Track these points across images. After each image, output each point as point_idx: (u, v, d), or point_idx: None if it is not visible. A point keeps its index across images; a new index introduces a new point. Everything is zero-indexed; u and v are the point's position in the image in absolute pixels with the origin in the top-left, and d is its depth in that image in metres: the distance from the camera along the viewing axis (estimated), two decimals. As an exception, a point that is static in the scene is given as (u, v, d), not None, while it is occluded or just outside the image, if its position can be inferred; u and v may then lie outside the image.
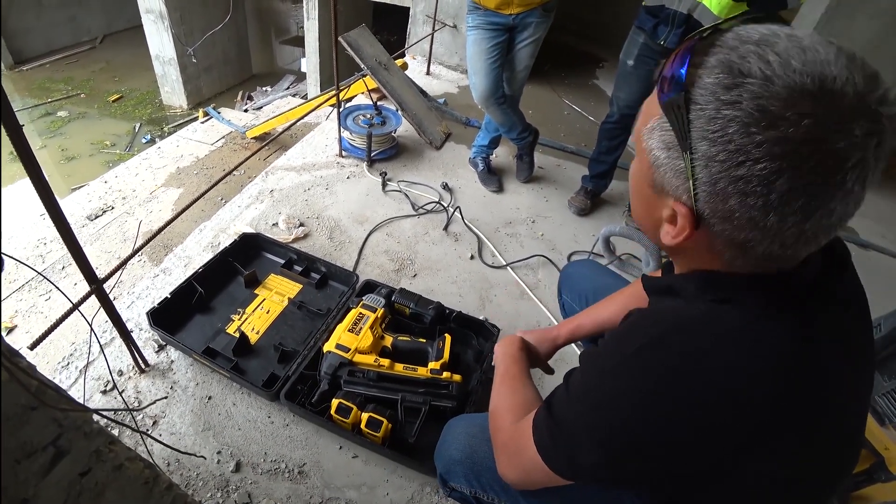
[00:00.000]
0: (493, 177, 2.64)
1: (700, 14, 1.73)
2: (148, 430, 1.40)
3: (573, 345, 1.78)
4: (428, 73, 3.96)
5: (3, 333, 1.37)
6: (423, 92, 3.27)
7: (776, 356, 0.52)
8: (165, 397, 1.48)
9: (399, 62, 3.25)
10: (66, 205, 3.13)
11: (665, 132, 0.52)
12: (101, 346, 1.40)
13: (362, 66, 2.75)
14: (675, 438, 0.54)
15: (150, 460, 0.45)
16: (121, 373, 1.51)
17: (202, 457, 1.35)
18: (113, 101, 5.67)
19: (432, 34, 3.80)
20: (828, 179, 0.44)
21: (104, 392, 1.46)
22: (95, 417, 0.36)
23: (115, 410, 1.00)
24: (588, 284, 1.25)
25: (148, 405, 1.43)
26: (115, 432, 1.35)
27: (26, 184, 3.68)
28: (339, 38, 2.54)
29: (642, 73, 1.99)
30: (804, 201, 0.45)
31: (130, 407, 1.43)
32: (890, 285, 2.50)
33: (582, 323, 1.11)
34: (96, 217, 3.15)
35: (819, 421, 0.56)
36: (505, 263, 2.15)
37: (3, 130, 0.85)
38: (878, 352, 1.18)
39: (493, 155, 2.75)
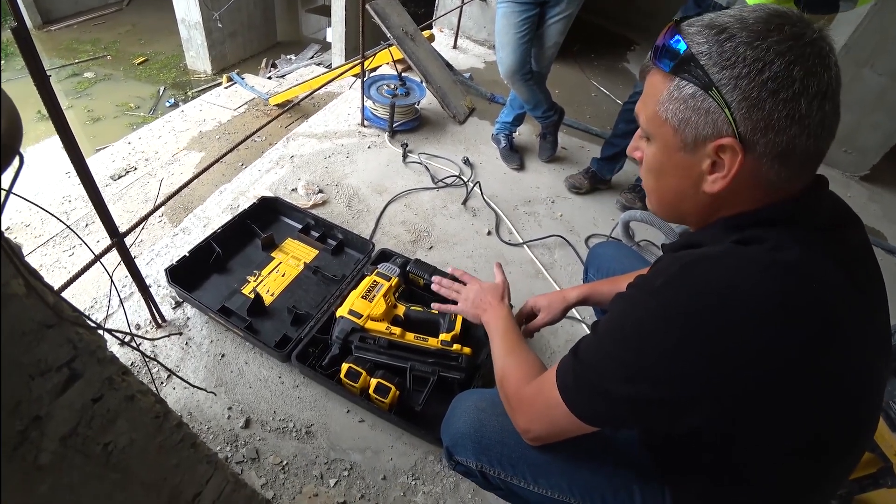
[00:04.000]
0: (514, 154, 2.60)
1: None
2: (162, 382, 1.44)
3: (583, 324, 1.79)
4: (455, 46, 3.89)
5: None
6: (448, 65, 3.22)
7: (791, 280, 0.56)
8: (180, 333, 1.52)
9: (426, 34, 3.20)
10: (91, 164, 3.17)
11: (682, 90, 0.61)
12: (120, 299, 1.43)
13: (388, 35, 2.71)
14: (694, 364, 0.56)
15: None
16: (138, 326, 1.54)
17: (213, 392, 1.40)
18: (138, 64, 5.71)
19: (461, 7, 3.72)
20: (824, 60, 0.56)
21: (121, 344, 1.49)
22: (109, 344, 0.36)
23: (127, 334, 1.03)
24: (616, 266, 1.24)
25: (161, 337, 1.48)
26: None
27: (52, 143, 3.74)
28: (367, 6, 2.50)
29: None
30: (817, 81, 0.56)
31: (147, 356, 1.46)
32: None
33: (599, 288, 1.12)
34: (119, 177, 3.19)
35: (835, 349, 0.57)
36: (522, 241, 2.13)
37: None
38: None
39: (517, 132, 2.71)
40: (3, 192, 0.32)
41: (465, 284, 1.20)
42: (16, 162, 0.32)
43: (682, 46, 0.60)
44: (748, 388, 0.56)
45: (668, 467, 0.79)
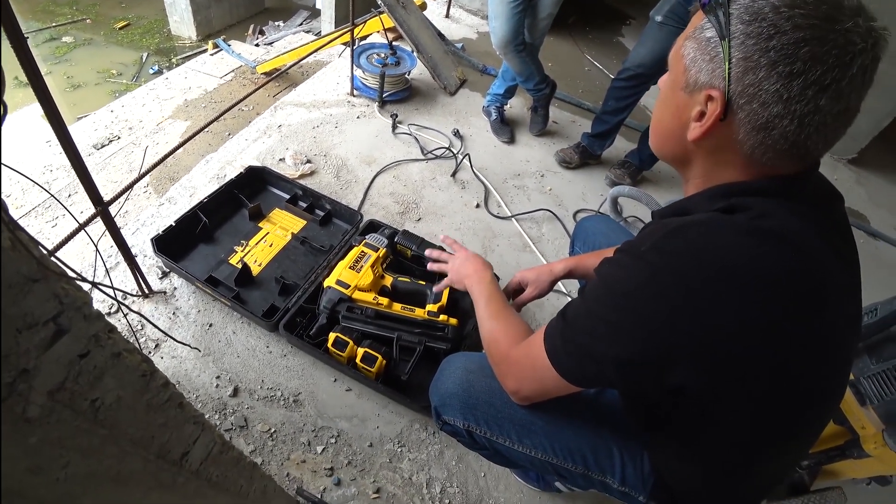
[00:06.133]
0: (505, 127, 2.59)
1: None
2: (150, 352, 1.44)
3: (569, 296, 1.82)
4: (447, 16, 3.80)
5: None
6: (440, 35, 3.16)
7: (774, 247, 0.57)
8: (165, 292, 1.55)
9: (418, 2, 3.13)
10: (72, 132, 3.09)
11: (703, 31, 0.61)
12: (106, 269, 1.42)
13: (380, 2, 2.64)
14: (679, 328, 0.58)
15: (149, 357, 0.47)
16: (125, 296, 1.53)
17: (196, 348, 1.43)
18: (119, 29, 5.51)
19: (453, -25, 3.64)
20: (841, 56, 0.53)
21: (108, 314, 1.49)
22: (95, 305, 0.37)
23: (115, 289, 1.03)
24: (603, 239, 1.26)
25: (144, 296, 1.49)
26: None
27: (31, 111, 3.63)
28: (356, -29, 2.43)
29: (665, 33, 1.91)
30: (822, 71, 0.53)
31: (141, 315, 1.46)
32: (891, 274, 2.49)
33: (585, 261, 1.13)
34: (102, 146, 3.12)
35: (818, 318, 0.59)
36: (510, 214, 2.14)
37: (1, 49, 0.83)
38: (871, 335, 1.18)
39: (508, 105, 2.69)
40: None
41: (453, 254, 1.22)
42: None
43: None
44: (731, 352, 0.58)
45: (645, 428, 0.82)
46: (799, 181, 0.63)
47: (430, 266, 1.26)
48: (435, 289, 1.31)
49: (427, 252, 1.28)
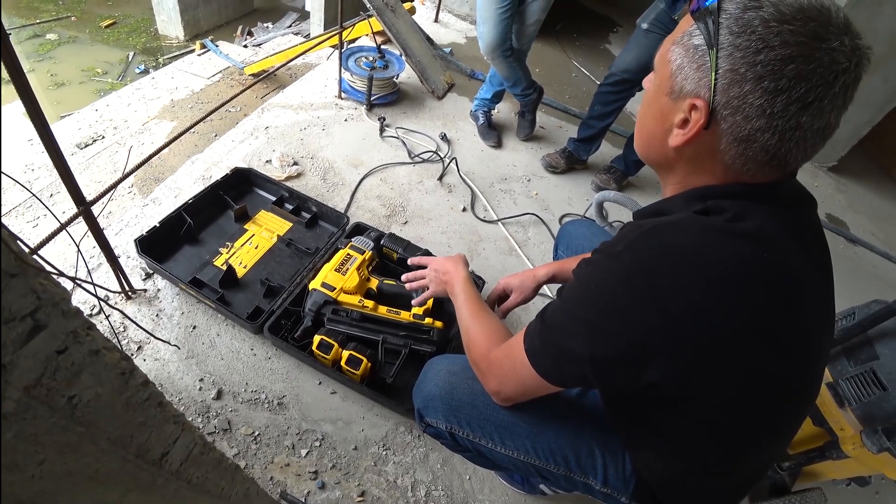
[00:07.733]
0: (492, 132, 2.60)
1: None
2: (132, 354, 1.42)
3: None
4: (436, 20, 3.82)
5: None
6: (429, 39, 3.17)
7: (747, 247, 0.58)
8: (146, 290, 1.53)
9: (407, 5, 3.14)
10: (55, 131, 3.03)
11: (691, 38, 0.61)
12: (88, 269, 1.40)
13: (368, 5, 2.65)
14: (652, 324, 0.59)
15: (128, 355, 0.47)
16: (107, 298, 1.51)
17: (176, 346, 1.41)
18: (105, 27, 5.45)
19: (443, -21, 3.66)
20: (825, 75, 0.54)
21: (90, 315, 1.47)
22: (74, 302, 0.36)
23: (96, 285, 1.02)
24: (585, 244, 1.27)
25: (123, 292, 1.47)
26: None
27: (12, 109, 3.58)
28: (345, -26, 2.43)
29: (650, 40, 1.94)
30: (805, 89, 0.54)
31: (120, 329, 1.44)
32: (869, 279, 2.54)
33: (567, 266, 1.15)
34: (86, 146, 3.08)
35: (789, 316, 0.60)
36: (496, 218, 2.15)
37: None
38: (849, 338, 1.20)
39: (495, 110, 2.70)
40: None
41: (426, 268, 1.23)
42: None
43: None
44: (705, 348, 0.59)
45: (626, 427, 0.83)
46: (775, 187, 0.64)
47: (409, 286, 1.26)
48: (414, 302, 1.30)
49: (403, 276, 1.27)
